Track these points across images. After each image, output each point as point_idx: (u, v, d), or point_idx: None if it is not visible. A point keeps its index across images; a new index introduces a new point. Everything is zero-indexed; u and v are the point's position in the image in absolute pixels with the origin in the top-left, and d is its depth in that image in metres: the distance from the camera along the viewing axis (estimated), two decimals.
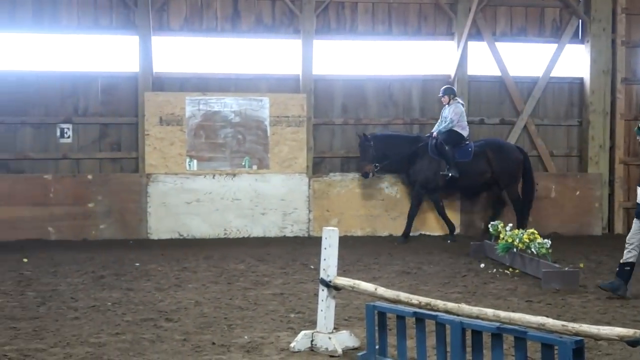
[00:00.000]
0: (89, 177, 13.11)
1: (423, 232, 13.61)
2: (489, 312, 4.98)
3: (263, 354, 5.91)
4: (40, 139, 13.33)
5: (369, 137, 13.06)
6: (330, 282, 6.00)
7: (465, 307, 5.14)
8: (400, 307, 5.65)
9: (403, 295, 5.54)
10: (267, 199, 13.39)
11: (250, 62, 14.01)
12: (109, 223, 13.02)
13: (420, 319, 5.42)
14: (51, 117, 13.33)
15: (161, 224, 13.13)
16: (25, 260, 10.64)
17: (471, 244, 11.48)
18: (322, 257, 6.07)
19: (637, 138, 8.45)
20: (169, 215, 13.13)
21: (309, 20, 13.74)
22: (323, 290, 6.04)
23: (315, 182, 13.55)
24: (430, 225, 13.67)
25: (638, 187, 8.26)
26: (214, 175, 13.26)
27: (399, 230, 13.32)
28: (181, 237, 13.11)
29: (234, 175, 13.33)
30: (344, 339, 6.03)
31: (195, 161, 13.36)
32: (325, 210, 13.49)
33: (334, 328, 6.10)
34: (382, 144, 13.05)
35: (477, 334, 5.00)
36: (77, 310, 7.49)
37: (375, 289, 5.75)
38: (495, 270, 9.90)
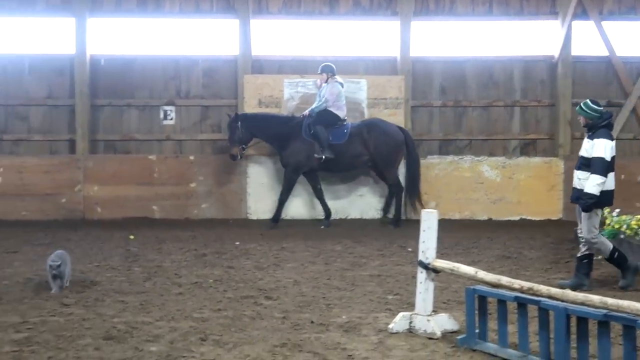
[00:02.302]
0: (191, 157, 13.46)
1: (524, 217, 13.29)
2: (596, 298, 4.81)
3: (361, 334, 5.93)
4: (144, 120, 13.79)
5: (237, 118, 12.52)
6: (429, 264, 5.95)
7: (570, 293, 5.00)
8: (501, 291, 5.55)
9: (504, 280, 5.43)
10: (364, 181, 13.38)
11: (348, 45, 14.00)
12: (210, 203, 13.35)
13: (522, 304, 5.30)
14: (155, 99, 13.77)
15: (260, 204, 13.35)
16: (131, 237, 11.07)
17: (575, 229, 11.11)
18: (421, 240, 6.02)
19: (578, 118, 8.02)
20: (267, 196, 13.31)
21: (407, 2, 13.58)
22: (422, 272, 6.00)
23: None
24: (532, 210, 13.33)
25: (575, 170, 7.84)
26: None
27: (499, 214, 13.12)
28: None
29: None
30: (443, 322, 5.98)
31: None
32: (423, 193, 13.35)
33: (433, 311, 6.05)
34: (251, 125, 12.52)
35: (582, 321, 4.85)
36: (180, 286, 7.73)
37: (476, 273, 5.66)
38: (600, 256, 9.54)
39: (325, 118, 12.34)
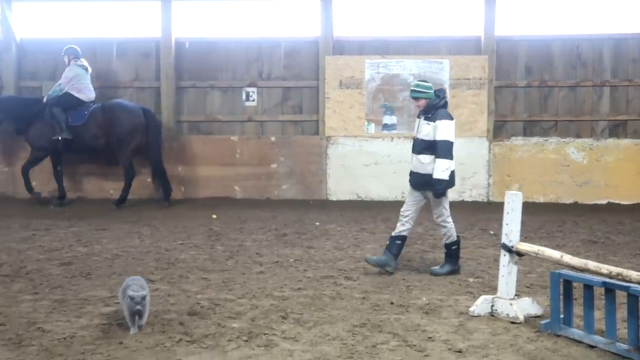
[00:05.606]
0: (272, 139, 13.59)
1: (612, 201, 12.87)
2: None
3: (442, 316, 5.88)
4: (227, 102, 13.98)
5: None
6: (512, 247, 5.83)
7: None
8: (588, 276, 5.39)
9: (592, 264, 5.27)
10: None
11: (430, 24, 13.81)
12: (291, 184, 13.46)
13: (610, 290, 5.14)
14: (237, 81, 13.94)
15: (340, 186, 13.38)
16: (214, 216, 11.29)
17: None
18: (505, 222, 5.90)
19: (416, 104, 7.63)
20: (347, 177, 13.34)
21: None
22: (505, 255, 5.89)
23: (496, 146, 13.19)
24: (620, 193, 12.89)
25: (414, 154, 7.53)
26: (392, 139, 13.27)
27: (585, 198, 12.73)
28: (359, 199, 13.29)
29: (412, 138, 13.24)
30: (526, 306, 5.86)
31: (373, 124, 13.43)
32: (506, 175, 13.11)
33: (515, 294, 5.93)
34: None
35: None
36: (261, 265, 7.84)
37: (561, 257, 5.51)
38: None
39: (64, 100, 12.45)
